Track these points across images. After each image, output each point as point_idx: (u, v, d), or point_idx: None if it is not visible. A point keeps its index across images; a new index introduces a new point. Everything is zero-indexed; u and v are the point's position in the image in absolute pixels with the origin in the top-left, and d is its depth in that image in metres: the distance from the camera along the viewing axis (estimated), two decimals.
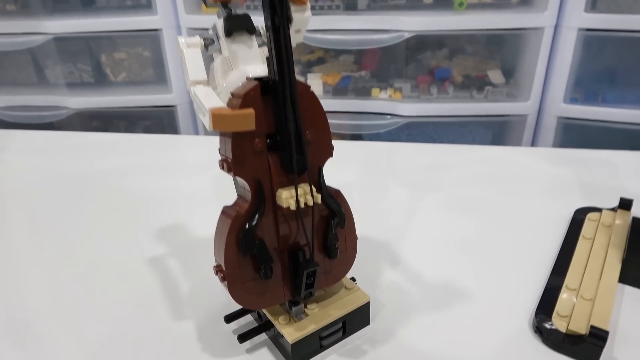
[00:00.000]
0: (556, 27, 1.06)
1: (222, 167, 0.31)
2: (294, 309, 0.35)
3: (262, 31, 0.35)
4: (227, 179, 0.33)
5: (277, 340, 0.36)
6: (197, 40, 0.33)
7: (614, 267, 0.42)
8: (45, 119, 1.40)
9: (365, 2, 1.12)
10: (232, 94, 0.30)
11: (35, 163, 0.72)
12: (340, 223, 0.34)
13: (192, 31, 1.21)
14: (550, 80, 1.09)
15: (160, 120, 1.42)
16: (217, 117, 0.28)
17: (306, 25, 0.32)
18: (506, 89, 1.13)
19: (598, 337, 0.33)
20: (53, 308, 0.42)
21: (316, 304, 0.36)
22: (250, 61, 0.34)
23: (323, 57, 1.22)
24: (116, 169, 0.68)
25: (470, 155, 0.69)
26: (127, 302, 0.42)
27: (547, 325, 0.36)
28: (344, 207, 0.35)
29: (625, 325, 0.38)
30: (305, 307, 0.36)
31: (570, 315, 0.37)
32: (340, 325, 0.36)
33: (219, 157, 0.32)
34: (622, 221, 0.48)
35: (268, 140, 0.31)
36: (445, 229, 0.52)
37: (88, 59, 1.39)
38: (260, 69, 0.32)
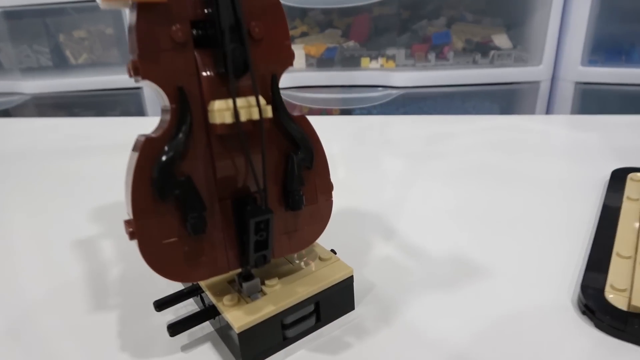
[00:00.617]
0: None
1: (129, 72, 0.21)
2: (245, 285, 0.25)
3: None
4: None
5: (224, 333, 0.26)
6: None
7: None
8: None
9: None
10: None
11: None
12: (305, 160, 0.25)
13: None
14: (564, 40, 0.96)
15: (127, 107, 1.29)
16: None
17: None
18: (514, 52, 0.99)
19: None
20: None
21: (278, 280, 0.26)
22: None
23: (307, 32, 1.12)
24: (60, 150, 0.59)
25: (477, 125, 0.59)
26: (40, 289, 0.32)
27: (600, 303, 0.26)
28: (311, 137, 0.25)
29: None
30: (263, 283, 0.26)
31: (631, 287, 0.27)
32: (311, 308, 0.26)
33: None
34: None
35: (195, 32, 0.21)
36: (450, 198, 0.42)
37: (45, 39, 1.28)
38: None
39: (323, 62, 1.04)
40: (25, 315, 0.30)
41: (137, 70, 0.21)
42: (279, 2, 0.24)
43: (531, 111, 1.02)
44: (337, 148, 0.56)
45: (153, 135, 0.22)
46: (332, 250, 0.30)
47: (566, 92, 0.97)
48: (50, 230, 0.41)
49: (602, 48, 0.95)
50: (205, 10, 0.22)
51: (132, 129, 0.70)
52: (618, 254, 0.31)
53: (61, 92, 1.22)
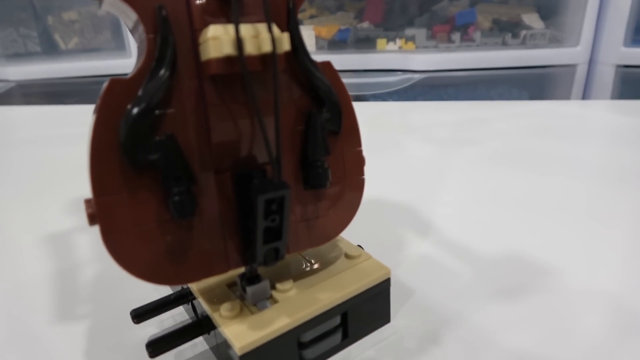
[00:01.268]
0: None
1: None
2: (250, 289, 0.19)
3: None
4: None
5: (222, 353, 0.19)
6: None
7: None
8: None
9: None
10: None
11: None
12: (332, 120, 0.18)
13: None
14: (605, 18, 0.88)
15: None
16: None
17: None
18: (549, 31, 0.91)
19: None
20: None
21: (293, 283, 0.20)
22: None
23: (316, 15, 1.05)
24: (41, 139, 0.54)
25: (508, 111, 0.53)
26: None
27: None
28: (339, 91, 0.18)
29: None
30: (274, 287, 0.19)
31: None
32: (337, 321, 0.20)
33: None
34: None
35: None
36: (491, 186, 0.37)
37: (33, 22, 1.22)
38: None
39: (335, 44, 0.97)
40: None
41: None
42: None
43: (566, 99, 0.95)
44: None
45: (122, 78, 0.15)
46: (359, 246, 0.24)
47: (606, 77, 0.90)
48: (20, 221, 0.35)
49: None
50: None
51: None
52: None
53: (50, 79, 1.16)
